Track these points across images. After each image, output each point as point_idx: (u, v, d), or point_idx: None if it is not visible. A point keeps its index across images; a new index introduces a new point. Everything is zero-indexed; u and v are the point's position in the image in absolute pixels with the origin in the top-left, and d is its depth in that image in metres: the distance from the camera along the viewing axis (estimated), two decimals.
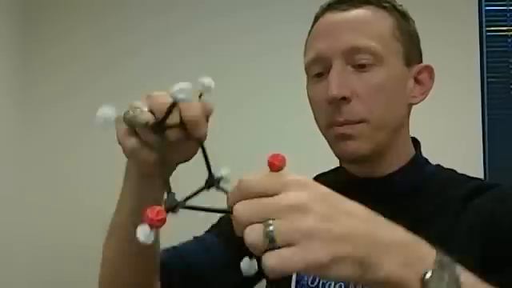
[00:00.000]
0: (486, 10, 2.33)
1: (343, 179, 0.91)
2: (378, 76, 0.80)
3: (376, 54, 0.80)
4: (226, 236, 0.90)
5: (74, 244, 2.27)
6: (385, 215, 0.48)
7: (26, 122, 2.33)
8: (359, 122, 0.79)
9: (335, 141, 0.83)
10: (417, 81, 0.86)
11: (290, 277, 0.85)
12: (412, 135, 0.92)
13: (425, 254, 0.47)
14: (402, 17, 0.86)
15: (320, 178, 0.99)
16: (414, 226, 0.50)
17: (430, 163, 0.90)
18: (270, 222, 0.42)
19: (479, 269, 0.71)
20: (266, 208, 0.44)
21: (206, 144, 0.57)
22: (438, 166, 0.90)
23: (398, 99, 0.83)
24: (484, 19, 2.32)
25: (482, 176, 2.20)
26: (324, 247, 0.42)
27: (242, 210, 0.45)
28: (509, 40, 2.36)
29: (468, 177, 0.87)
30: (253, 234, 0.43)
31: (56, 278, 2.28)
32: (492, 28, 2.35)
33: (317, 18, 0.88)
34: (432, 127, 2.19)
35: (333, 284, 0.81)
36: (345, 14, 0.83)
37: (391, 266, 0.44)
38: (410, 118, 0.89)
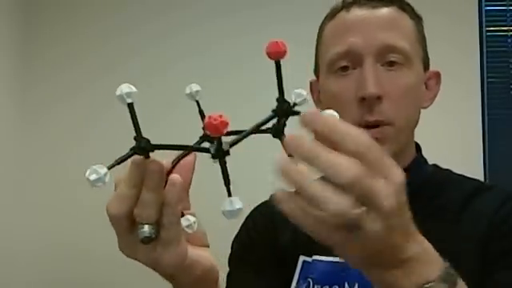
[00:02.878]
0: (486, 10, 2.33)
1: None
2: (407, 77, 0.80)
3: (407, 55, 0.79)
4: (254, 268, 0.88)
5: (73, 244, 2.27)
6: None
7: (25, 122, 2.33)
8: (387, 124, 0.77)
9: None
10: (426, 86, 0.86)
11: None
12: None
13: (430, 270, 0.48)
14: (420, 21, 0.86)
15: None
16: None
17: (428, 163, 0.90)
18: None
19: (479, 269, 0.71)
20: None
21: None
22: (436, 166, 0.90)
23: (418, 102, 0.83)
24: (484, 19, 2.32)
25: (481, 176, 2.20)
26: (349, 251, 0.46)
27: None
28: (509, 40, 2.36)
29: (465, 177, 0.87)
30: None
31: (56, 278, 2.27)
32: (492, 28, 2.35)
33: (336, 12, 0.85)
34: (432, 127, 2.18)
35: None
36: (375, 11, 0.81)
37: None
38: None
